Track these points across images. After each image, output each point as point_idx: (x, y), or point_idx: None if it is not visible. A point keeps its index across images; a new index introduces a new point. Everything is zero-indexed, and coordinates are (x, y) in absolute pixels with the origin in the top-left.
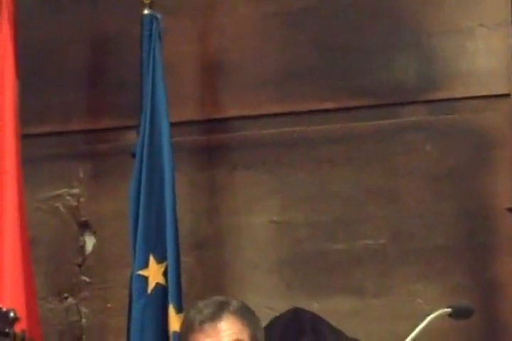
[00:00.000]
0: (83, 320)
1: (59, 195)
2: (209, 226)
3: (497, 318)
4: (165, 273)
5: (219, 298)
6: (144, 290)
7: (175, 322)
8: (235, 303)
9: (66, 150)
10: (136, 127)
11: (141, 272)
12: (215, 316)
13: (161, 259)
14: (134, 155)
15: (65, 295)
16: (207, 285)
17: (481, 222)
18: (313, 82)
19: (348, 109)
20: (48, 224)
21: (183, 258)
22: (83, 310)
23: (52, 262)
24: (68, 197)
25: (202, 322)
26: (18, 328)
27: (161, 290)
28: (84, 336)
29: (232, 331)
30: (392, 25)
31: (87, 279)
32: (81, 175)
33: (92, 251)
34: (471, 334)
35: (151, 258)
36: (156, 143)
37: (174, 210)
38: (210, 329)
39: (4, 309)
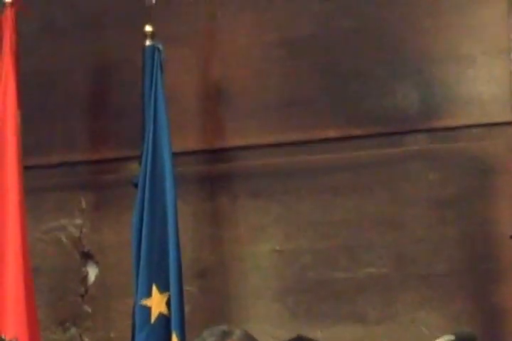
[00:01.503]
0: None
1: (61, 226)
2: (212, 256)
3: None
4: (168, 303)
5: (223, 327)
6: (147, 320)
7: None
8: (238, 332)
9: (68, 181)
10: (139, 157)
11: (144, 302)
12: None
13: (164, 289)
14: (136, 185)
15: (68, 325)
16: (210, 314)
17: (484, 249)
18: (315, 110)
19: (350, 138)
20: (51, 254)
21: (186, 288)
22: (86, 340)
23: (55, 292)
24: (71, 228)
25: None
26: None
27: (164, 319)
28: None
29: None
30: (394, 54)
31: (90, 309)
32: (83, 205)
33: (95, 281)
34: None
35: (154, 288)
36: (158, 173)
37: (177, 240)
38: None
39: (7, 339)
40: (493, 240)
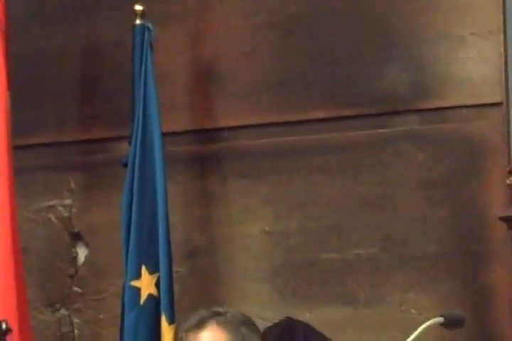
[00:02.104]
0: (76, 331)
1: (51, 206)
2: (202, 236)
3: (489, 327)
4: (157, 284)
5: (218, 308)
6: (137, 301)
7: (167, 333)
8: (230, 315)
9: (58, 161)
10: (128, 137)
11: (133, 283)
12: (199, 325)
13: (153, 270)
14: (125, 165)
15: (58, 306)
16: (200, 295)
17: (473, 231)
18: (305, 91)
19: (340, 119)
20: (40, 234)
21: (175, 269)
22: (76, 320)
23: (44, 273)
24: (60, 208)
25: (187, 330)
26: (10, 339)
27: (154, 301)
28: None
29: None
30: (384, 34)
31: (80, 290)
32: (73, 185)
33: (85, 261)
34: None
35: (144, 269)
36: (148, 153)
37: (166, 220)
38: (192, 337)
39: None
40: (482, 221)
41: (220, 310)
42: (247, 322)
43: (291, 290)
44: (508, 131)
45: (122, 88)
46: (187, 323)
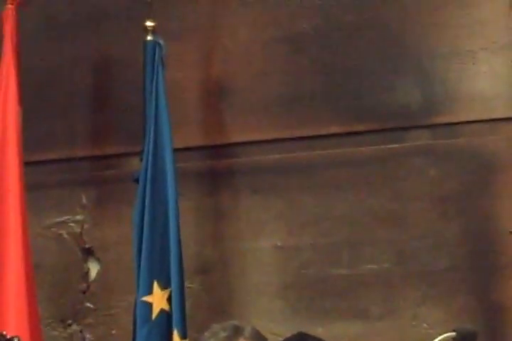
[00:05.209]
0: None
1: (63, 222)
2: (214, 252)
3: None
4: (169, 299)
5: (234, 322)
6: (149, 317)
7: None
8: (249, 329)
9: (70, 177)
10: (140, 153)
11: (145, 298)
12: (230, 340)
13: (165, 285)
14: (137, 181)
15: (69, 321)
16: (212, 311)
17: (485, 245)
18: (317, 106)
19: (352, 134)
20: (52, 250)
21: (187, 284)
22: (87, 336)
23: (56, 289)
24: (72, 224)
25: None
26: None
27: (166, 316)
28: None
29: None
30: (395, 49)
31: (92, 306)
32: (84, 201)
33: (96, 277)
34: None
35: (155, 285)
36: (159, 168)
37: (178, 236)
38: None
39: (9, 336)
40: (494, 236)
41: (237, 324)
42: (263, 335)
43: (303, 305)
44: None
45: (134, 104)
46: (214, 338)
